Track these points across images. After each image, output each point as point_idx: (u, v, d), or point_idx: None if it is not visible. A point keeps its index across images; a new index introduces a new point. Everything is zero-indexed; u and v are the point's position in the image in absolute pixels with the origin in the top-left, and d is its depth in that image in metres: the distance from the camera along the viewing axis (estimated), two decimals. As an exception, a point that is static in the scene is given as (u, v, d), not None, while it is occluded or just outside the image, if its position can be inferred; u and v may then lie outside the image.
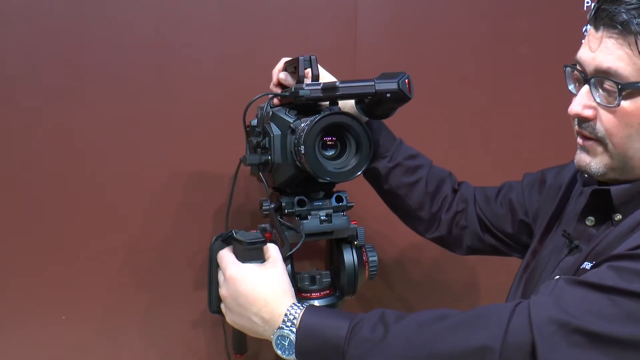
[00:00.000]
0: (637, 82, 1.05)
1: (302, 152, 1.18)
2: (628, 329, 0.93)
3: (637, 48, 1.03)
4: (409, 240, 1.76)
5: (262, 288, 1.12)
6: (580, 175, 1.26)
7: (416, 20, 1.74)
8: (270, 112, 1.29)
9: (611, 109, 1.07)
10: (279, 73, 1.36)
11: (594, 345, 0.93)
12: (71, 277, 1.55)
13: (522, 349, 0.95)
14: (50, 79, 1.50)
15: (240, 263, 1.15)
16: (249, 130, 1.33)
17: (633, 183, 1.11)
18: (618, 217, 1.12)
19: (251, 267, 1.14)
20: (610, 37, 1.05)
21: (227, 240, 1.21)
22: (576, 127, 1.13)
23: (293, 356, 1.07)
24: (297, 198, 1.28)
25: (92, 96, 1.52)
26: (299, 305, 1.10)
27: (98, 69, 1.52)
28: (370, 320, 1.05)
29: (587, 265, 1.11)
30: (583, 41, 1.13)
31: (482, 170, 1.69)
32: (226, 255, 1.18)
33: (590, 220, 1.17)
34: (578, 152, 1.15)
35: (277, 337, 1.08)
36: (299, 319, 1.08)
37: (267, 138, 1.27)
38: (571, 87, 1.16)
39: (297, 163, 1.24)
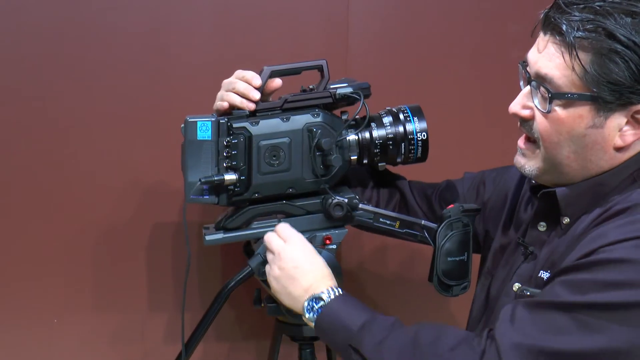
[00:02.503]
0: (567, 93, 1.07)
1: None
2: (587, 341, 0.97)
3: (571, 60, 1.05)
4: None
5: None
6: (528, 179, 1.28)
7: (407, 25, 1.75)
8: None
9: (544, 113, 1.10)
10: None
11: None
12: (63, 280, 1.56)
13: None
14: (41, 77, 1.51)
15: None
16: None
17: (576, 184, 1.13)
18: (566, 220, 1.16)
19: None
20: (554, 43, 1.08)
21: None
22: (518, 125, 1.17)
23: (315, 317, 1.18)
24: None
25: (76, 96, 1.54)
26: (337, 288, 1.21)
27: (86, 67, 1.54)
28: (380, 325, 1.13)
29: (544, 274, 1.15)
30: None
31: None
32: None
33: (542, 226, 1.20)
34: (517, 153, 1.19)
35: (312, 298, 1.19)
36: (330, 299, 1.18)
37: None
38: (521, 84, 1.18)
39: None
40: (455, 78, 1.80)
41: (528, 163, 1.17)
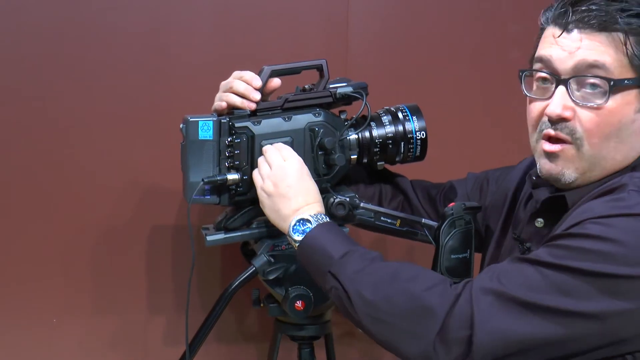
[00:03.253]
0: (625, 79, 1.06)
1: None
2: (553, 299, 1.00)
3: (622, 45, 1.06)
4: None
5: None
6: (529, 177, 1.26)
7: (407, 25, 1.76)
8: None
9: (593, 107, 1.08)
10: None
11: (523, 313, 1.00)
12: (63, 280, 1.56)
13: (462, 319, 1.02)
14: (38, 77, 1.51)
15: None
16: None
17: (585, 187, 1.13)
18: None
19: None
20: (589, 35, 1.07)
21: None
22: (549, 131, 1.12)
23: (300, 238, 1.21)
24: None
25: (75, 96, 1.55)
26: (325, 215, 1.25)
27: (85, 67, 1.55)
28: (361, 256, 1.15)
29: None
30: (542, 43, 1.13)
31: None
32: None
33: (539, 222, 1.19)
34: (544, 160, 1.15)
35: (300, 220, 1.22)
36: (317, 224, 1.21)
37: None
38: (532, 92, 1.16)
39: None
40: (455, 78, 1.80)
41: (566, 167, 1.12)
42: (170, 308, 1.65)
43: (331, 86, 1.38)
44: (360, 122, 1.39)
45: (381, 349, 1.78)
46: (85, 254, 1.59)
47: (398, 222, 1.39)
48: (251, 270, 1.35)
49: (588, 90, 1.09)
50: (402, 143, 1.40)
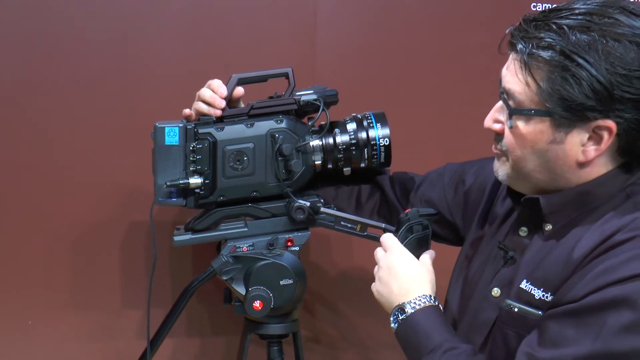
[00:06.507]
0: (525, 109, 1.09)
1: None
2: None
3: (525, 76, 1.08)
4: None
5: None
6: None
7: (374, 33, 1.80)
8: None
9: (509, 128, 1.12)
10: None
11: None
12: (38, 281, 1.61)
13: None
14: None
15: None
16: None
17: (561, 192, 1.14)
18: (549, 227, 1.16)
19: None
20: (515, 59, 1.10)
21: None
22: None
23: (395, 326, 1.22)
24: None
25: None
26: (428, 297, 1.22)
27: (62, 74, 1.61)
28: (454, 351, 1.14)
29: (530, 287, 1.14)
30: None
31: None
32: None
33: (523, 231, 1.20)
34: (495, 157, 1.21)
35: (398, 309, 1.21)
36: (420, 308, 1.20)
37: None
38: None
39: None
40: (421, 83, 1.83)
41: (501, 169, 1.18)
42: (144, 305, 1.68)
43: (297, 94, 1.43)
44: (326, 129, 1.43)
45: (346, 348, 1.85)
46: (60, 254, 1.64)
47: (359, 227, 1.43)
48: (210, 271, 1.40)
49: (506, 111, 1.13)
50: (366, 149, 1.43)
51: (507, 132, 1.13)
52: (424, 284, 1.24)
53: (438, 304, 1.23)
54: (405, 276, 1.24)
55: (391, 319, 1.22)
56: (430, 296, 1.22)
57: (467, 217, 1.41)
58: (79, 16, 1.62)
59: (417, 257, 1.30)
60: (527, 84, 1.08)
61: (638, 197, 1.10)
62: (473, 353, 1.15)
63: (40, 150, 1.64)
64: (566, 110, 1.05)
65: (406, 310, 1.20)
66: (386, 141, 1.44)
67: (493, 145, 1.19)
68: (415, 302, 1.21)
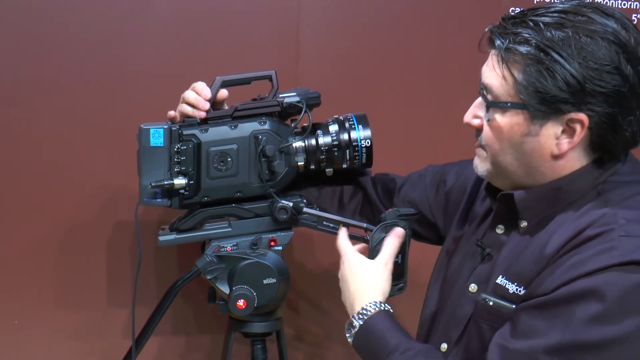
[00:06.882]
0: (501, 102, 1.13)
1: None
2: None
3: (502, 70, 1.11)
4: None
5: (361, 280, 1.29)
6: None
7: (357, 36, 1.82)
8: None
9: (487, 122, 1.16)
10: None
11: None
12: (22, 281, 1.63)
13: None
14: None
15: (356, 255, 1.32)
16: None
17: (534, 189, 1.17)
18: (524, 223, 1.19)
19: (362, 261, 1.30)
20: (494, 55, 1.14)
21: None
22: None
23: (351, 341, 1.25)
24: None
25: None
26: (376, 304, 1.24)
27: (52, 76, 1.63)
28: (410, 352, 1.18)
29: (505, 282, 1.17)
30: None
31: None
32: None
33: (500, 229, 1.23)
34: (476, 155, 1.24)
35: (348, 323, 1.25)
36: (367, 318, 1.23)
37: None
38: None
39: None
40: (402, 85, 1.87)
41: (480, 164, 1.21)
42: (129, 304, 1.70)
43: (280, 96, 1.45)
44: (308, 130, 1.46)
45: (329, 346, 1.87)
46: (45, 254, 1.66)
47: (340, 227, 1.46)
48: (194, 270, 1.43)
49: (484, 106, 1.17)
50: (348, 150, 1.46)
51: (485, 126, 1.17)
52: (370, 291, 1.26)
53: (388, 308, 1.25)
54: (351, 287, 1.28)
55: (347, 334, 1.26)
56: (378, 302, 1.25)
57: (448, 217, 1.44)
58: (63, 19, 1.64)
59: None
60: (504, 77, 1.11)
61: (609, 195, 1.13)
62: (429, 351, 1.19)
63: (25, 151, 1.65)
64: (541, 102, 1.09)
65: (354, 323, 1.24)
66: (368, 142, 1.47)
67: (476, 143, 1.22)
68: (363, 313, 1.24)
